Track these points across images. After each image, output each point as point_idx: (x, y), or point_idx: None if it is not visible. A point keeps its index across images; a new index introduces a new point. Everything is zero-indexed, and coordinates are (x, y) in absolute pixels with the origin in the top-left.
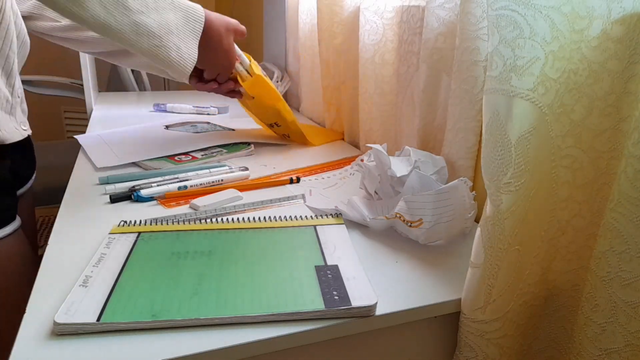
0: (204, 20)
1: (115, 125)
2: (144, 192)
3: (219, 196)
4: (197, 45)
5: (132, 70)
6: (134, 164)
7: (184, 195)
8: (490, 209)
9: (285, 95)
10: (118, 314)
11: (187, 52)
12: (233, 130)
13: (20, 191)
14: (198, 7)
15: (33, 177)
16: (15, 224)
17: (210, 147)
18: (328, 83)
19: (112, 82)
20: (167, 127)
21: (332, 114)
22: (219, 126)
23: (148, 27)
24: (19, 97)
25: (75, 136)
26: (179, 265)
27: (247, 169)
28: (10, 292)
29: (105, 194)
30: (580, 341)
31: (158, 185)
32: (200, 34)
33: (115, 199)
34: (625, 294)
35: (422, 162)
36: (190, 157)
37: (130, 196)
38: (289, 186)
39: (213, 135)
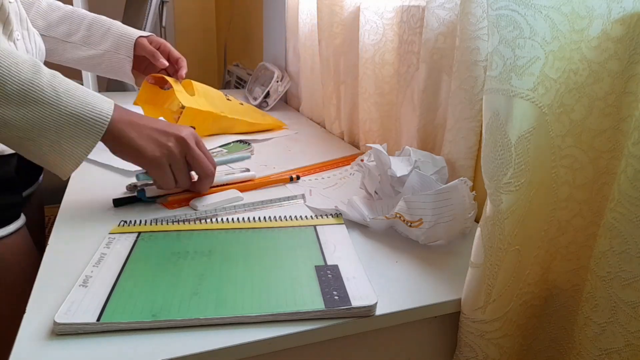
0: (105, 128)
1: None
2: (148, 193)
3: (219, 196)
4: (90, 147)
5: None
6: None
7: (185, 197)
8: (490, 209)
9: (285, 95)
10: (118, 314)
11: (70, 151)
12: None
13: (28, 190)
14: (102, 111)
15: (41, 177)
16: (20, 222)
17: (210, 147)
18: (328, 83)
19: (112, 82)
20: None
21: (332, 114)
22: None
23: (5, 121)
24: None
25: None
26: (179, 265)
27: (248, 169)
28: (15, 290)
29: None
30: (580, 341)
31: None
32: (98, 138)
33: (118, 203)
34: (625, 294)
35: (422, 162)
36: None
37: (132, 199)
38: (289, 186)
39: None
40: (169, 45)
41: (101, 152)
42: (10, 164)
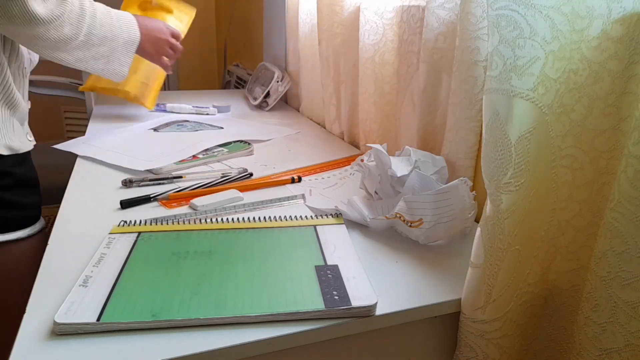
0: (138, 40)
1: (115, 125)
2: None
3: (219, 196)
4: (131, 58)
5: None
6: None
7: (185, 195)
8: (490, 209)
9: (285, 95)
10: (118, 313)
11: (125, 60)
12: (222, 128)
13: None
14: (137, 32)
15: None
16: (42, 222)
17: (211, 147)
18: (328, 83)
19: None
20: (155, 129)
21: (332, 114)
22: (206, 124)
23: (101, 54)
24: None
25: (58, 146)
26: (179, 265)
27: (246, 170)
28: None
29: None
30: (580, 341)
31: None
32: (136, 48)
33: (126, 204)
34: (625, 294)
35: (422, 162)
36: (192, 157)
37: (140, 201)
38: (289, 186)
39: (212, 135)
40: None
41: (103, 152)
42: (29, 161)
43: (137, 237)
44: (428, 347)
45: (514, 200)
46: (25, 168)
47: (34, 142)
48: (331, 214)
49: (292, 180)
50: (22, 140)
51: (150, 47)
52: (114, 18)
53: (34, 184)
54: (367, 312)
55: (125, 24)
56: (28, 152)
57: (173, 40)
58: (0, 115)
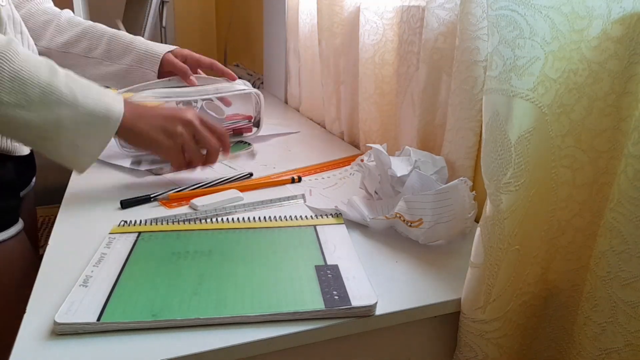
0: (117, 126)
1: None
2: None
3: (219, 196)
4: (104, 144)
5: None
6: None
7: (185, 195)
8: (490, 209)
9: (285, 95)
10: (118, 313)
11: (86, 148)
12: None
13: (22, 193)
14: (114, 110)
15: (34, 179)
16: (18, 226)
17: None
18: (328, 83)
19: None
20: None
21: (332, 114)
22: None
23: (26, 123)
24: None
25: None
26: (179, 265)
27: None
28: (13, 293)
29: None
30: (580, 341)
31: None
32: (111, 136)
33: (126, 204)
34: (625, 293)
35: (422, 162)
36: None
37: (141, 201)
38: (289, 186)
39: None
40: (194, 53)
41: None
42: (9, 166)
43: (137, 237)
44: (428, 347)
45: (514, 200)
46: (0, 173)
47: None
48: (331, 214)
49: (292, 180)
50: (12, 143)
51: (147, 125)
52: (78, 81)
53: (10, 188)
54: (367, 312)
55: (98, 92)
56: (8, 156)
57: (199, 125)
58: None
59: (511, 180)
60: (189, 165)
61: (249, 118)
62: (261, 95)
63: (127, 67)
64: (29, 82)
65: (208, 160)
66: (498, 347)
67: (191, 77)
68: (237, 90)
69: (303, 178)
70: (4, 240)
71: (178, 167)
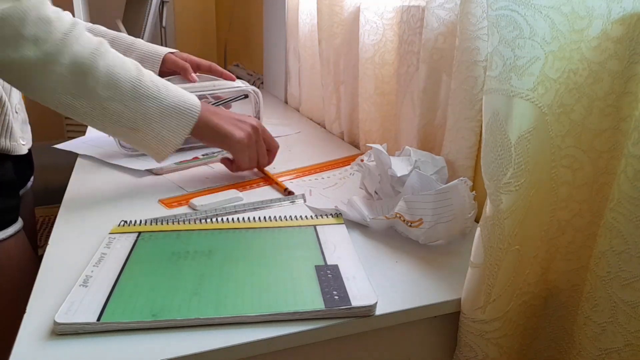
0: (197, 118)
1: None
2: None
3: (218, 196)
4: (184, 135)
5: None
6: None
7: (185, 196)
8: (490, 209)
9: (285, 95)
10: (118, 313)
11: (169, 139)
12: None
13: (20, 192)
14: (193, 103)
15: (32, 178)
16: (18, 225)
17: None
18: (328, 83)
19: None
20: None
21: (332, 114)
22: None
23: (119, 114)
24: (17, 112)
25: (59, 146)
26: (179, 265)
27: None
28: (13, 293)
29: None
30: (580, 341)
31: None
32: (191, 127)
33: None
34: (625, 293)
35: (422, 162)
36: (192, 157)
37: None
38: (289, 185)
39: None
40: (193, 57)
41: (103, 152)
42: (8, 165)
43: (137, 237)
44: (428, 347)
45: (514, 200)
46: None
47: (28, 146)
48: (331, 214)
49: (285, 190)
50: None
51: (221, 119)
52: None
53: (9, 188)
54: (367, 312)
55: (176, 89)
56: (7, 156)
57: (265, 131)
58: None
59: (511, 180)
60: (255, 163)
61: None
62: (260, 94)
63: None
64: (122, 77)
65: (270, 158)
66: (498, 347)
67: (192, 74)
68: (236, 87)
69: (304, 178)
70: (4, 240)
71: (246, 163)
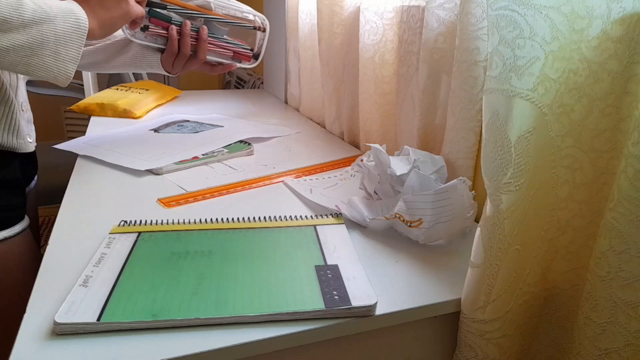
0: (86, 18)
1: (115, 125)
2: None
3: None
4: (79, 46)
5: None
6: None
7: (185, 196)
8: (490, 208)
9: (285, 95)
10: (118, 313)
11: (67, 56)
12: (222, 127)
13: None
14: (79, 12)
15: (36, 177)
16: (24, 223)
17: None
18: (328, 83)
19: (112, 81)
20: (155, 130)
21: (332, 114)
22: (206, 124)
23: (13, 45)
24: (23, 110)
25: (59, 146)
26: (179, 265)
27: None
28: (18, 290)
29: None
30: (580, 341)
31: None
32: (85, 32)
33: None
34: (625, 293)
35: (421, 161)
36: (192, 157)
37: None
38: (291, 183)
39: (211, 136)
40: None
41: (103, 152)
42: (15, 164)
43: (137, 237)
44: (428, 347)
45: (514, 200)
46: (7, 170)
47: (34, 144)
48: (331, 214)
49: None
50: (17, 140)
51: (100, 9)
52: None
53: (16, 186)
54: (367, 311)
55: (58, 3)
56: (14, 154)
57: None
58: (3, 113)
59: (511, 180)
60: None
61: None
62: (268, 26)
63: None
64: (7, 12)
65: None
66: (498, 347)
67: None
68: (247, 13)
69: (304, 177)
70: (10, 237)
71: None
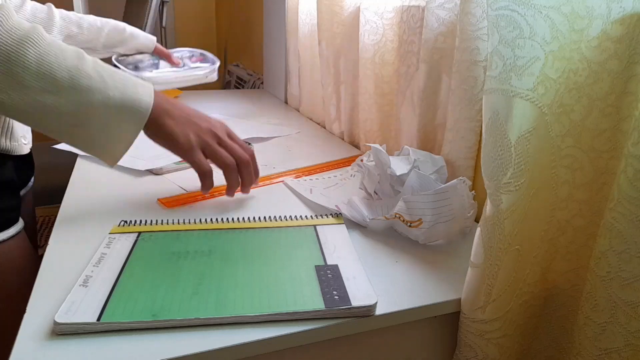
0: (150, 108)
1: None
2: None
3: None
4: (135, 133)
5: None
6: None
7: (184, 197)
8: (490, 208)
9: (285, 95)
10: (118, 313)
11: (118, 136)
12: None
13: (21, 192)
14: (144, 95)
15: (32, 178)
16: (19, 225)
17: None
18: (328, 83)
19: None
20: None
21: (332, 114)
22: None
23: (57, 109)
24: None
25: (59, 146)
26: (179, 265)
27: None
28: (13, 293)
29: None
30: (580, 341)
31: None
32: (146, 118)
33: None
34: (625, 293)
35: (421, 161)
36: None
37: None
38: (291, 183)
39: None
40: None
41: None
42: (9, 165)
43: (137, 237)
44: (428, 347)
45: (514, 200)
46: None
47: (29, 146)
48: (331, 214)
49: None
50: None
51: (174, 119)
52: (104, 68)
53: (10, 188)
54: (367, 311)
55: (126, 79)
56: (8, 156)
57: (226, 138)
58: None
59: (511, 180)
60: (208, 169)
61: (200, 59)
62: (217, 61)
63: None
64: (56, 66)
65: (244, 180)
66: (498, 347)
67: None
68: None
69: (304, 177)
70: (5, 240)
71: (199, 168)
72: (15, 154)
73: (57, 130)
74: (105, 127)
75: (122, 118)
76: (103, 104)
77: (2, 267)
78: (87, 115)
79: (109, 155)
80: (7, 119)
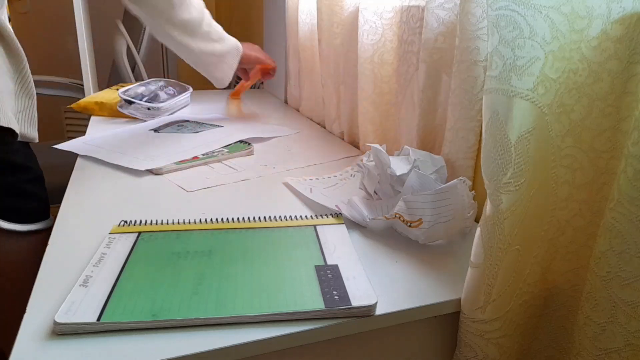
0: (240, 54)
1: (115, 125)
2: None
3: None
4: (236, 63)
5: (132, 70)
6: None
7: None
8: (490, 208)
9: (285, 95)
10: (118, 313)
11: (229, 68)
12: (222, 126)
13: None
14: (238, 46)
15: None
16: (50, 221)
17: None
18: (328, 83)
19: (112, 81)
20: (155, 130)
21: (332, 114)
22: (206, 124)
23: (213, 52)
24: None
25: (59, 146)
26: (179, 265)
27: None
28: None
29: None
30: (580, 341)
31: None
32: (240, 55)
33: None
34: (625, 293)
35: (421, 161)
36: (192, 157)
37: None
38: (292, 183)
39: (211, 136)
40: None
41: (103, 152)
42: (37, 161)
43: (137, 237)
44: (428, 347)
45: (514, 200)
46: (36, 163)
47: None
48: (331, 214)
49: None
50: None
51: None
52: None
53: (42, 180)
54: (367, 311)
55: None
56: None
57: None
58: (26, 106)
59: (511, 180)
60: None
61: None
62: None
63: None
64: (214, 29)
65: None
66: (498, 347)
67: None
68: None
69: (304, 177)
70: (42, 230)
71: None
72: (34, 141)
73: (203, 64)
74: (225, 64)
75: (233, 56)
76: (225, 50)
77: (30, 256)
78: (225, 56)
79: (223, 81)
80: (34, 108)
